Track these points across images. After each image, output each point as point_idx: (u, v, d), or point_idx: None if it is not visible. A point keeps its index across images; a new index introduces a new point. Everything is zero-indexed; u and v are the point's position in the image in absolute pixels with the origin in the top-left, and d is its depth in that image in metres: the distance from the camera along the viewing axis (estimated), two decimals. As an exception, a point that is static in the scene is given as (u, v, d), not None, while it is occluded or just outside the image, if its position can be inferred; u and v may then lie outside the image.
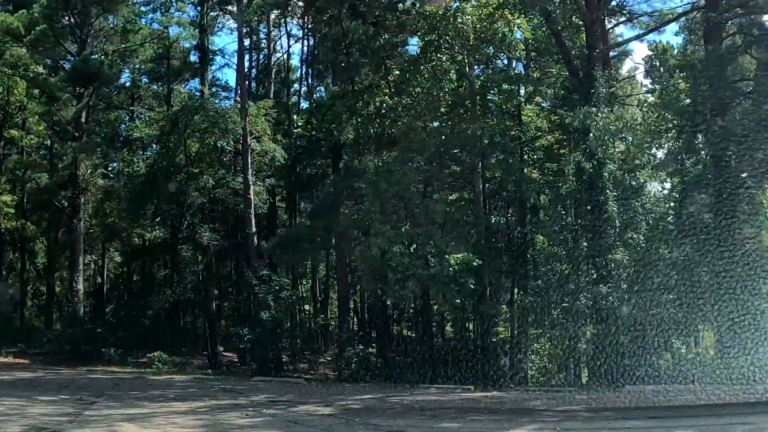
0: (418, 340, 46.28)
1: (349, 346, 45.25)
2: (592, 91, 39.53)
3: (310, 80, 64.90)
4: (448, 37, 41.66)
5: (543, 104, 47.85)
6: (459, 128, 42.98)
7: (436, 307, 45.36)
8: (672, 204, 41.61)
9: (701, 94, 39.00)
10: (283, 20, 62.81)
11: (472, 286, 39.94)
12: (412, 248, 39.68)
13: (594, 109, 37.96)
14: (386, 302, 46.35)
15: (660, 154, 42.30)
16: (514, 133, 44.66)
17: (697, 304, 36.26)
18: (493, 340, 42.29)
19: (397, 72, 45.62)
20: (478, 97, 43.51)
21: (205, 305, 54.67)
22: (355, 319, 59.27)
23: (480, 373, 39.09)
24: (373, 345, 48.83)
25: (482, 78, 45.27)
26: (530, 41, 45.42)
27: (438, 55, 42.38)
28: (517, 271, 43.54)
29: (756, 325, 33.71)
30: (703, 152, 40.37)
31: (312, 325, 58.08)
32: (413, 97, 43.69)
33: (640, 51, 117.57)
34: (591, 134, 37.71)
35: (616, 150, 40.15)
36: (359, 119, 47.17)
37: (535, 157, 46.37)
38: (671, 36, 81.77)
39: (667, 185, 44.08)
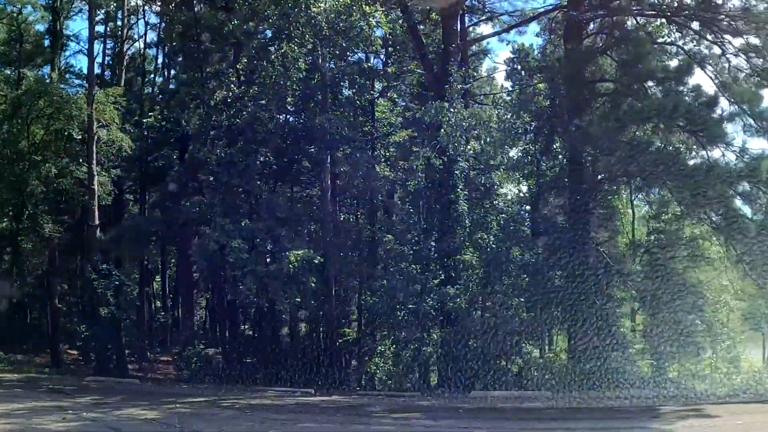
0: (261, 340, 43.75)
1: (190, 345, 43.04)
2: (446, 86, 37.92)
3: (167, 71, 61.93)
4: (299, 25, 39.46)
5: (398, 100, 45.99)
6: (308, 121, 41.05)
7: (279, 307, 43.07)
8: (527, 207, 41.41)
9: (559, 95, 38.48)
10: (141, 7, 59.70)
11: (313, 285, 38.17)
12: (254, 243, 37.85)
13: (447, 104, 36.33)
14: (234, 300, 43.71)
15: (517, 154, 41.21)
16: (367, 128, 43.21)
17: (550, 307, 36.18)
18: (339, 341, 40.76)
19: (245, 60, 43.08)
20: (329, 90, 41.74)
21: (47, 300, 51.43)
22: (208, 317, 57.12)
23: (324, 375, 37.68)
24: (221, 344, 46.26)
25: (334, 70, 43.01)
26: (388, 36, 43.63)
27: (290, 44, 40.02)
28: (364, 270, 41.56)
29: (608, 330, 34.59)
30: (560, 155, 39.85)
31: (158, 321, 55.23)
32: (261, 86, 41.23)
33: (504, 54, 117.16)
34: (442, 130, 36.15)
35: (469, 148, 38.91)
36: (206, 108, 44.37)
37: (387, 154, 44.49)
38: (533, 37, 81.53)
39: (524, 188, 42.97)
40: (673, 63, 37.98)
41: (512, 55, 41.85)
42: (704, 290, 37.63)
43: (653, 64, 36.65)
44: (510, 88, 43.82)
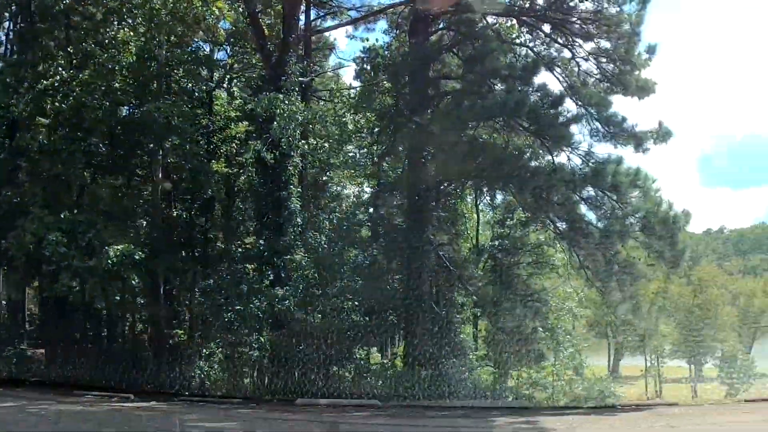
0: (87, 341, 41.06)
1: (10, 345, 39.29)
2: (283, 78, 35.86)
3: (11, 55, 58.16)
4: (132, 6, 37.15)
5: (237, 93, 43.34)
6: (138, 109, 38.39)
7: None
8: (367, 208, 39.66)
9: (402, 92, 37.00)
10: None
11: (135, 282, 35.47)
12: (75, 236, 34.70)
13: (281, 95, 34.19)
14: (66, 297, 40.43)
15: (358, 154, 39.74)
16: (204, 120, 40.64)
17: (385, 311, 34.76)
18: (169, 343, 38.19)
19: (76, 42, 39.95)
20: (163, 78, 39.01)
21: None
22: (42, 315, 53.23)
23: (148, 380, 34.49)
24: (46, 345, 42.66)
25: (169, 57, 40.07)
26: (233, 27, 41.22)
27: (122, 27, 37.40)
28: (194, 269, 38.82)
29: (448, 335, 33.32)
30: (404, 155, 38.06)
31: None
32: (91, 71, 38.09)
33: (352, 51, 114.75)
34: (275, 122, 33.74)
35: (304, 143, 36.73)
36: (33, 93, 41.06)
37: (227, 148, 41.79)
38: (381, 34, 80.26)
39: (367, 188, 41.35)
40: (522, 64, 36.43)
41: (362, 55, 40.01)
42: (548, 297, 36.85)
43: (499, 62, 34.59)
44: (359, 88, 41.92)
